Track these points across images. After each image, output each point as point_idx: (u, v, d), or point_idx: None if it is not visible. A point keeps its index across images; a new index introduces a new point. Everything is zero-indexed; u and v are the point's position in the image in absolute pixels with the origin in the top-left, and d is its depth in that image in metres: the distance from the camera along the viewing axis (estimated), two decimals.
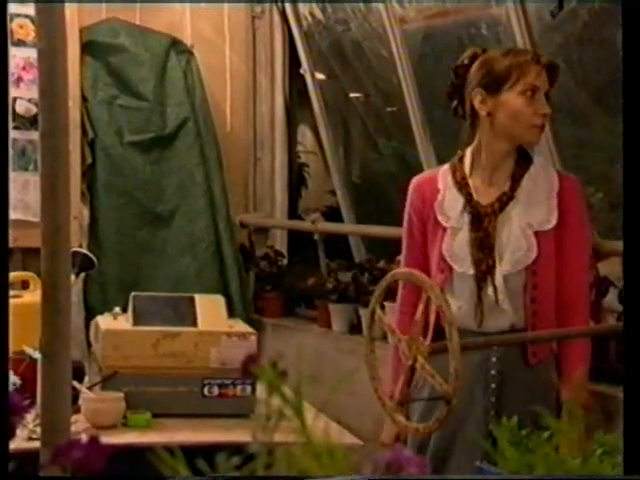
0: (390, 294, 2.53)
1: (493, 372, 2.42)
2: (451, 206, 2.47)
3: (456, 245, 2.44)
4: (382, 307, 2.20)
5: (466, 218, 2.43)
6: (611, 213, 3.38)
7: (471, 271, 2.41)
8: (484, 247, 2.40)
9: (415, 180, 2.59)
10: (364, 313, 3.75)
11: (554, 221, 2.39)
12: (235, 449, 0.85)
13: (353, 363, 3.66)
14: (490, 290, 2.38)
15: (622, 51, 1.21)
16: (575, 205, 2.42)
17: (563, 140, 3.34)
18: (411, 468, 0.74)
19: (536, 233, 2.38)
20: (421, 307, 2.01)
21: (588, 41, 3.30)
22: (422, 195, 2.53)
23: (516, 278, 2.40)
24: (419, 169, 3.00)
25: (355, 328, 4.11)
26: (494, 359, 2.42)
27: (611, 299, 3.02)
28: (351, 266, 4.32)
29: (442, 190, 2.49)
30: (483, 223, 2.41)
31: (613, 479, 1.03)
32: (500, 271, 2.39)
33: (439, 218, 2.47)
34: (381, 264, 4.05)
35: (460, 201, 2.45)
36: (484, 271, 2.40)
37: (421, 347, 1.91)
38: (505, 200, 2.41)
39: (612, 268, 3.07)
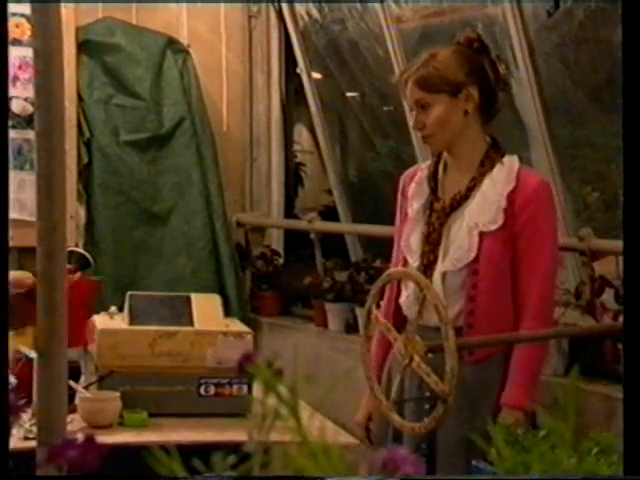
0: None
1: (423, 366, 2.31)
2: (418, 199, 2.52)
3: (412, 237, 2.49)
4: (378, 306, 2.20)
5: (426, 212, 2.47)
6: (607, 212, 3.39)
7: (416, 264, 2.44)
8: (430, 242, 2.43)
9: (403, 174, 2.65)
10: (360, 312, 3.75)
11: (500, 222, 2.37)
12: (231, 448, 0.85)
13: (349, 362, 3.67)
14: None
15: (622, 50, 1.21)
16: (530, 206, 2.36)
17: (559, 139, 3.34)
18: (407, 467, 0.75)
19: (481, 233, 2.38)
20: (417, 307, 2.02)
21: (584, 40, 3.30)
22: (403, 188, 2.61)
23: (456, 276, 2.40)
24: None
25: (351, 327, 4.11)
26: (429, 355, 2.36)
27: (607, 298, 3.02)
28: (347, 265, 4.32)
29: (416, 183, 2.54)
30: (432, 218, 2.44)
31: (610, 479, 1.03)
32: (440, 267, 2.41)
33: (408, 210, 2.52)
34: (377, 263, 4.05)
35: (425, 195, 2.50)
36: (426, 265, 2.42)
37: (417, 346, 1.92)
38: (458, 199, 2.43)
39: (608, 267, 3.08)
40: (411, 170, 2.65)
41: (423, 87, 2.42)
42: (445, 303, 1.99)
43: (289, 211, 5.23)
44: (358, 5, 4.40)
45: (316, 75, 4.88)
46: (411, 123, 2.49)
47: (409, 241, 2.50)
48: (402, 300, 2.50)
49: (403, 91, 2.49)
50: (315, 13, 4.78)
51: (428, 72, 2.41)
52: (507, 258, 2.38)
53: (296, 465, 0.78)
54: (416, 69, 2.44)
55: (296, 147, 5.71)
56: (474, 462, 1.22)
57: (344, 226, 4.72)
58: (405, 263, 2.50)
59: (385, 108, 4.69)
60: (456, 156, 2.48)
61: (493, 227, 2.38)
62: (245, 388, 3.21)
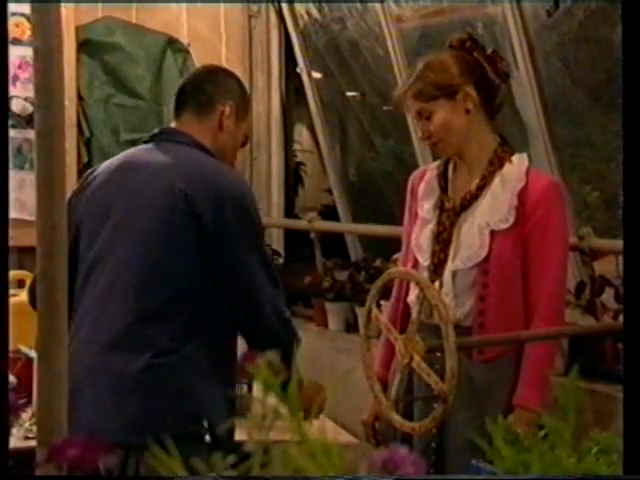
0: (386, 293, 2.55)
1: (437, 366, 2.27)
2: (428, 198, 2.53)
3: (422, 236, 2.49)
4: (378, 306, 2.20)
5: (436, 211, 2.47)
6: (607, 212, 3.38)
7: (427, 262, 2.45)
8: (441, 241, 2.44)
9: (412, 174, 2.67)
10: (360, 312, 3.75)
11: (511, 220, 2.37)
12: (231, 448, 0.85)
13: (349, 362, 3.67)
14: (437, 283, 2.39)
15: (622, 50, 1.21)
16: (542, 206, 2.36)
17: (559, 139, 3.34)
18: (406, 467, 0.75)
19: (492, 232, 2.38)
20: (417, 306, 2.02)
21: (584, 40, 3.30)
22: (412, 187, 2.61)
23: (466, 275, 2.40)
24: (415, 168, 3.01)
25: (351, 327, 4.11)
26: (438, 354, 2.35)
27: (607, 298, 3.02)
28: (347, 265, 4.32)
29: (426, 182, 2.55)
30: (442, 218, 2.45)
31: (610, 478, 1.03)
32: (450, 266, 2.41)
33: (418, 209, 2.53)
34: (377, 263, 4.05)
35: (436, 194, 2.51)
36: (437, 264, 2.43)
37: (417, 346, 1.92)
38: (469, 198, 2.43)
39: (608, 267, 3.08)
40: (420, 170, 2.67)
41: (421, 98, 2.44)
42: (445, 302, 1.99)
43: (289, 211, 5.23)
44: (358, 5, 4.40)
45: (316, 75, 4.89)
46: (419, 134, 2.51)
47: (419, 240, 2.50)
48: (410, 299, 2.51)
49: (405, 105, 2.51)
50: (315, 13, 4.78)
51: (424, 83, 2.43)
52: (518, 258, 2.38)
53: (296, 464, 0.78)
54: (412, 82, 2.46)
55: (296, 147, 5.71)
56: (474, 461, 1.22)
57: (344, 226, 4.72)
58: (415, 262, 2.50)
59: (385, 108, 4.69)
60: (466, 156, 2.48)
61: (504, 226, 2.37)
62: (245, 388, 3.21)
